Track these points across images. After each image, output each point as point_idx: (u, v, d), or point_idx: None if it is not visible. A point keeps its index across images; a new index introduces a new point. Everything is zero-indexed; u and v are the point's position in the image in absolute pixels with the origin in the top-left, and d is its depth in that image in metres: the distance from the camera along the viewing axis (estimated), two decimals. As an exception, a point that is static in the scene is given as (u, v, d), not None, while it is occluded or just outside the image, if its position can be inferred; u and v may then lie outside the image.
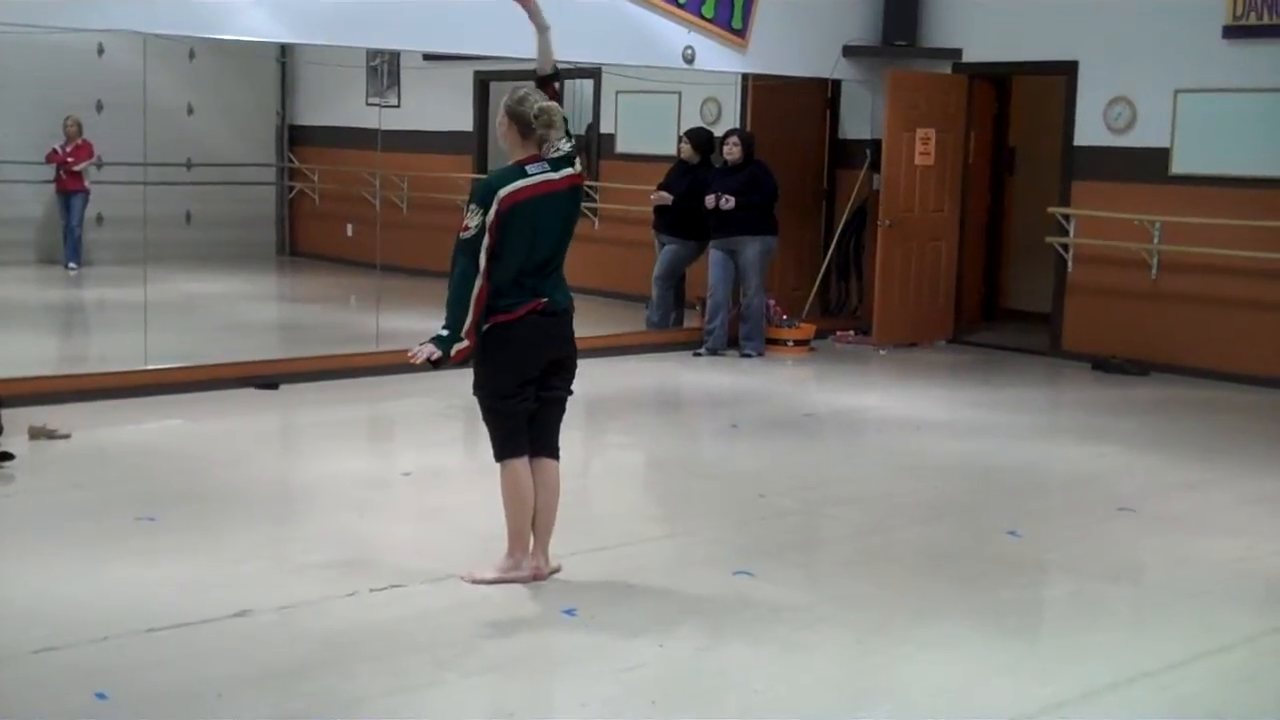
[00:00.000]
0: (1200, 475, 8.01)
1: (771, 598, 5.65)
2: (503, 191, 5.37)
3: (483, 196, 5.39)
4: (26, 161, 14.97)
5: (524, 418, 5.59)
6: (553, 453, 5.74)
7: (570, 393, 5.78)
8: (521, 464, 5.61)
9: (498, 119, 5.62)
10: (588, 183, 14.00)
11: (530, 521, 5.65)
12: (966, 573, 6.09)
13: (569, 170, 5.55)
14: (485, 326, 5.43)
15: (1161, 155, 11.18)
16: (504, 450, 5.61)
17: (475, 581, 5.62)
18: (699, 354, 11.60)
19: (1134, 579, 6.29)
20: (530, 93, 5.54)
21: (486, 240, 5.33)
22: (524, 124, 5.48)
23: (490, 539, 5.88)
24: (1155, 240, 11.16)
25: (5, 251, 15.23)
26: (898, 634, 5.32)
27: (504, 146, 5.63)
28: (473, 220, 5.35)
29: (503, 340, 5.46)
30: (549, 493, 5.71)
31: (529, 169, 5.45)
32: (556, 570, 5.78)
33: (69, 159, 14.98)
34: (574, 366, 5.73)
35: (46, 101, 14.91)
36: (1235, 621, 5.60)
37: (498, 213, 5.34)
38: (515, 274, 5.42)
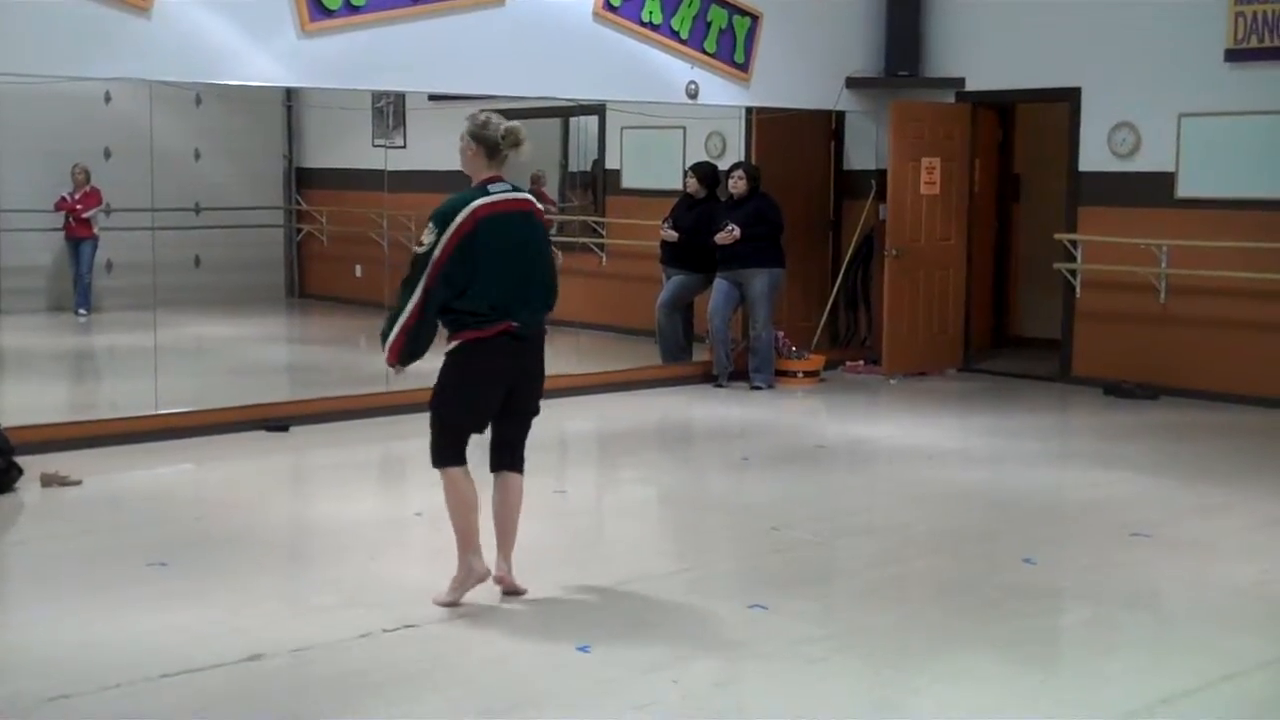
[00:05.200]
0: (1215, 499, 7.97)
1: (787, 630, 5.63)
2: (467, 209, 5.53)
3: (443, 215, 5.55)
4: (35, 210, 15.03)
5: (467, 433, 5.76)
6: (517, 466, 5.90)
7: (536, 411, 5.91)
8: (458, 472, 5.75)
9: (460, 145, 5.73)
10: (594, 219, 14.06)
11: (473, 523, 5.76)
12: (982, 602, 6.06)
13: (529, 195, 5.77)
14: (457, 343, 5.61)
15: (1166, 179, 11.19)
16: (441, 458, 5.78)
17: (443, 604, 5.72)
18: (721, 385, 11.59)
19: (1150, 605, 6.26)
20: (491, 116, 5.69)
21: (436, 255, 5.49)
22: (490, 146, 5.65)
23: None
24: (1163, 264, 11.15)
25: (16, 299, 15.27)
26: (914, 665, 5.30)
27: (467, 171, 5.76)
28: (428, 237, 5.53)
29: (471, 356, 5.62)
30: (511, 504, 5.87)
31: (490, 188, 5.63)
32: (521, 592, 5.88)
33: (78, 206, 15.04)
34: (538, 388, 5.88)
35: (54, 150, 14.97)
36: (1252, 647, 5.57)
37: (461, 230, 5.50)
38: (490, 297, 5.55)
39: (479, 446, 5.93)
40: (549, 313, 5.86)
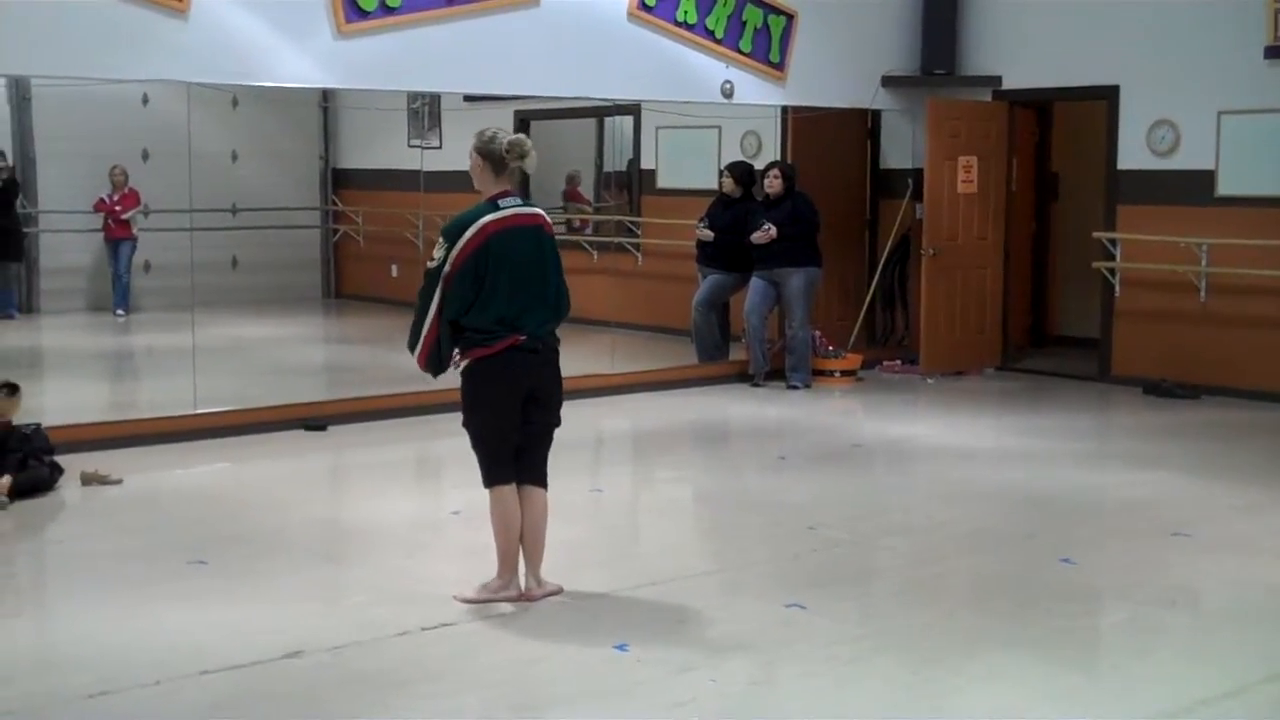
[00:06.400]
0: (1255, 498, 7.91)
1: (824, 630, 5.62)
2: (477, 224, 5.62)
3: (453, 231, 5.64)
4: (75, 211, 15.16)
5: (509, 447, 5.78)
6: (540, 481, 5.91)
7: (557, 423, 5.94)
8: (508, 490, 5.79)
9: (469, 161, 5.83)
10: (630, 219, 14.07)
11: (517, 546, 5.80)
12: (1020, 602, 6.03)
13: (538, 209, 5.87)
14: (466, 361, 5.69)
15: (1206, 177, 11.11)
16: (490, 477, 5.81)
17: (465, 601, 5.76)
18: (757, 384, 11.58)
19: (1190, 605, 6.22)
20: (497, 131, 5.79)
21: (447, 270, 5.59)
22: (496, 160, 5.75)
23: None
24: (1203, 263, 11.07)
25: (56, 300, 15.40)
26: (951, 665, 5.27)
27: (478, 187, 5.85)
28: (439, 252, 5.64)
29: (483, 374, 5.70)
30: (536, 519, 5.88)
31: (501, 203, 5.72)
32: (556, 591, 5.91)
33: (116, 207, 15.15)
34: (555, 401, 5.90)
35: (93, 152, 15.08)
36: (1295, 646, 5.53)
37: (472, 245, 5.59)
38: (496, 312, 5.63)
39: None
40: (559, 323, 5.90)
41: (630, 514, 7.94)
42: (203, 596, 5.99)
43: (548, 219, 5.91)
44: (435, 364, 5.75)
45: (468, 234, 5.61)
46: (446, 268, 5.61)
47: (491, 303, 5.62)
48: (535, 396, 5.80)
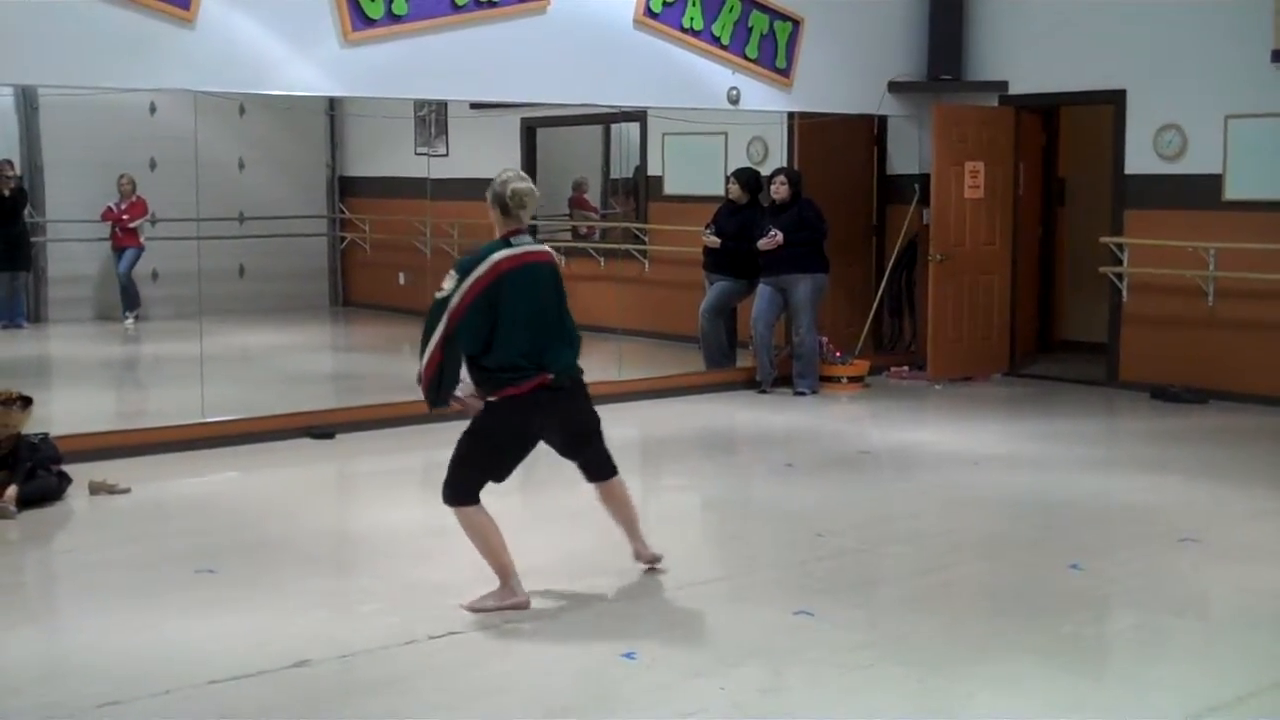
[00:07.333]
0: (1263, 504, 7.90)
1: (832, 637, 5.61)
2: (488, 261, 5.72)
3: (465, 265, 5.75)
4: (83, 220, 15.19)
5: (483, 482, 5.86)
6: (609, 473, 6.21)
7: (597, 429, 6.13)
8: (472, 510, 5.84)
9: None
10: (636, 225, 14.07)
11: (501, 552, 5.85)
12: (1028, 608, 6.02)
13: (546, 247, 6.01)
14: (495, 398, 5.78)
15: (1214, 181, 11.10)
16: (455, 496, 5.86)
17: (472, 609, 5.79)
18: (764, 391, 11.58)
19: (1199, 611, 6.21)
20: (511, 178, 5.90)
21: (455, 303, 5.67)
22: (502, 205, 5.86)
23: (547, 575, 5.86)
24: (1211, 267, 11.05)
25: (64, 309, 15.42)
26: (960, 672, 5.27)
27: (494, 224, 5.96)
28: (449, 283, 5.73)
29: (508, 409, 5.79)
30: (620, 503, 6.26)
31: (512, 240, 5.83)
32: (658, 559, 6.33)
33: (124, 216, 15.17)
34: (592, 425, 6.12)
35: (101, 161, 15.11)
36: (1305, 652, 5.52)
37: (481, 282, 5.68)
38: (520, 348, 5.72)
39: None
40: (577, 357, 6.00)
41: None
42: (211, 605, 6.00)
43: (554, 255, 6.03)
44: (435, 393, 5.78)
45: (479, 269, 5.70)
46: (454, 300, 5.68)
47: (512, 340, 5.71)
48: (573, 432, 6.01)
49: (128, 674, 5.14)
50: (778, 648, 5.50)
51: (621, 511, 6.28)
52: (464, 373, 5.85)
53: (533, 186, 5.90)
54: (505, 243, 5.81)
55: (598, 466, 6.18)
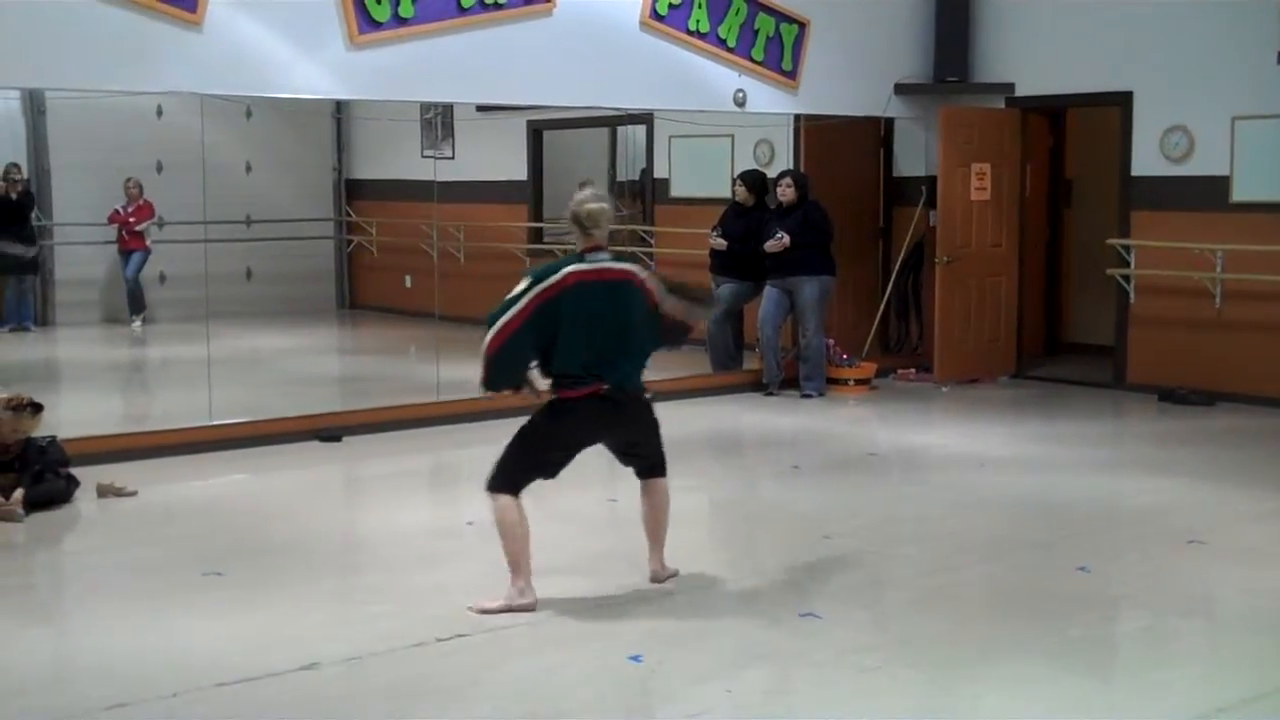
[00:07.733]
0: (1271, 505, 7.89)
1: (839, 639, 5.61)
2: (559, 273, 5.84)
3: (540, 273, 5.88)
4: (90, 223, 15.21)
5: (535, 475, 5.98)
6: (658, 473, 6.27)
7: (649, 440, 6.24)
8: (508, 500, 5.92)
9: None
10: (643, 228, 14.07)
11: (523, 550, 5.90)
12: (1036, 610, 6.02)
13: (629, 265, 6.07)
14: (554, 396, 5.92)
15: (1221, 183, 11.09)
16: (498, 483, 5.96)
17: (481, 611, 5.81)
18: (771, 393, 11.58)
19: (1207, 613, 6.20)
20: (587, 198, 6.03)
21: (520, 305, 5.78)
22: (579, 224, 6.00)
23: (555, 577, 5.87)
24: (1218, 269, 11.04)
25: (71, 312, 15.45)
26: (967, 674, 5.27)
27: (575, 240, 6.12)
28: (519, 287, 5.85)
29: (562, 409, 5.92)
30: (657, 507, 6.28)
31: (588, 256, 5.95)
32: (674, 574, 6.28)
33: (131, 219, 15.20)
34: (646, 438, 6.22)
35: (108, 164, 15.13)
36: (1313, 654, 5.51)
37: (547, 293, 5.79)
38: (579, 359, 5.84)
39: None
40: (642, 371, 6.12)
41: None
42: (219, 608, 6.00)
43: (639, 273, 6.09)
44: (499, 369, 5.86)
45: (548, 280, 5.82)
46: (521, 303, 5.80)
47: (572, 351, 5.83)
48: (627, 441, 6.16)
49: (135, 676, 5.14)
50: (784, 650, 5.50)
51: (653, 516, 6.28)
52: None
53: (606, 206, 6.01)
54: (580, 258, 5.93)
55: (649, 468, 6.28)
